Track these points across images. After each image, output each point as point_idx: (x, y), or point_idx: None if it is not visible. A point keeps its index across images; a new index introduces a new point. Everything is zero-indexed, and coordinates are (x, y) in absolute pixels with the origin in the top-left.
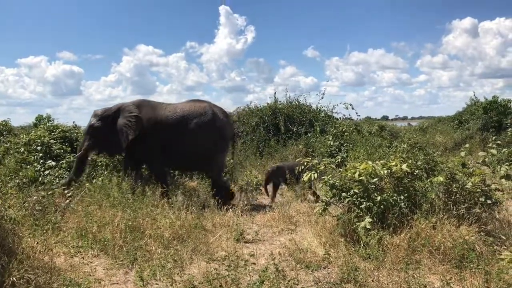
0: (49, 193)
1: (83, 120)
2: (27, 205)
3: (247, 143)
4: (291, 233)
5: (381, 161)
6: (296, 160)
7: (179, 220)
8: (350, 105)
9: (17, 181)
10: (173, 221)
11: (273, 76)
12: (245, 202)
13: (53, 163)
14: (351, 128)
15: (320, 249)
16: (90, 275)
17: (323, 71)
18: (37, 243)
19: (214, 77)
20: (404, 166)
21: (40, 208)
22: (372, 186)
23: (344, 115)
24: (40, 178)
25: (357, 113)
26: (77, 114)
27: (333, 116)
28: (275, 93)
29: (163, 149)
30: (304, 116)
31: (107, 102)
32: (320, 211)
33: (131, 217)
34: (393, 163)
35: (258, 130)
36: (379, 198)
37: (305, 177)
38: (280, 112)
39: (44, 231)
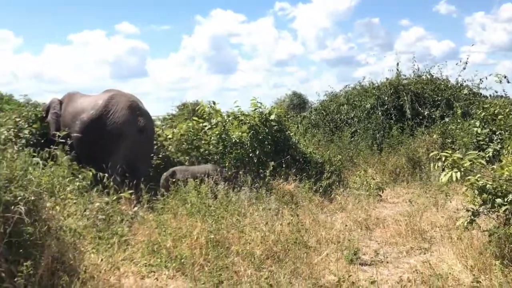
0: (114, 198)
1: (153, 110)
2: (88, 213)
3: (360, 133)
4: (425, 254)
5: None
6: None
7: (273, 234)
8: (505, 77)
9: (76, 183)
10: (266, 234)
11: (392, 42)
12: (359, 211)
13: None
14: (507, 110)
15: (466, 275)
16: None
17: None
18: (102, 260)
19: (311, 47)
20: None
21: (104, 217)
22: None
23: (496, 92)
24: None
25: None
26: (144, 101)
27: (480, 94)
28: (397, 64)
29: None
30: (439, 94)
31: (178, 84)
32: (465, 224)
33: (213, 229)
34: None
35: (375, 115)
36: None
37: (444, 177)
38: (405, 89)
39: (109, 246)
